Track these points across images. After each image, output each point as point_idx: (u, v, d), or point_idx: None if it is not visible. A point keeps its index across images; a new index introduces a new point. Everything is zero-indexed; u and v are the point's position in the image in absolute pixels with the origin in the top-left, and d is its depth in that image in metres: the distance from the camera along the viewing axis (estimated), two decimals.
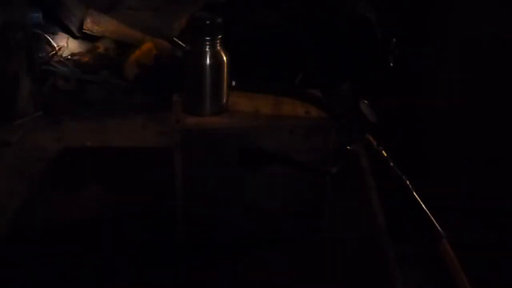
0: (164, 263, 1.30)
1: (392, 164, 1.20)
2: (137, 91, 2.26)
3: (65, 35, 2.54)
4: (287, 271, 1.28)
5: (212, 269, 1.28)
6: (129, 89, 2.29)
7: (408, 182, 1.19)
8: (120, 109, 2.14)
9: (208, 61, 1.20)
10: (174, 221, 1.30)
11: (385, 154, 1.21)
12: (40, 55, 2.37)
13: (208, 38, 1.19)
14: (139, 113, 2.11)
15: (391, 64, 1.68)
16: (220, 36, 1.21)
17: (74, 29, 2.55)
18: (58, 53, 2.46)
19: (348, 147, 1.20)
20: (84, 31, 2.53)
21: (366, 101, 1.18)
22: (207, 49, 1.20)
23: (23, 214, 1.48)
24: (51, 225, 1.44)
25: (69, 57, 2.46)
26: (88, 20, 2.52)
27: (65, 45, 2.52)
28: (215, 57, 1.21)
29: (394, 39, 1.68)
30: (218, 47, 1.21)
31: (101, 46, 2.53)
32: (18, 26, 2.01)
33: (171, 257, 1.32)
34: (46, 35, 2.46)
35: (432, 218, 1.16)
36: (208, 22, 1.20)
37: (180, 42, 1.24)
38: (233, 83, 1.27)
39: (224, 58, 1.22)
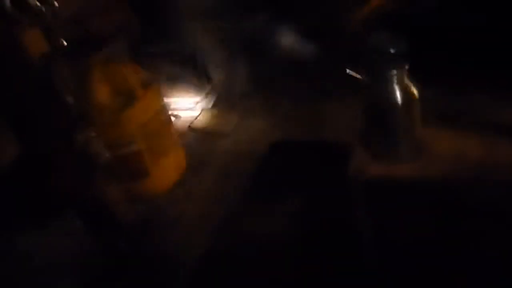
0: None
1: None
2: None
3: None
4: None
5: None
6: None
7: None
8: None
9: (395, 97, 0.96)
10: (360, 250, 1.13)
11: None
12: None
13: (394, 71, 0.95)
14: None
15: None
16: (408, 66, 0.95)
17: None
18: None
19: None
20: None
21: None
22: (394, 84, 0.96)
23: (225, 227, 1.47)
24: (250, 242, 1.41)
25: None
26: None
27: None
28: (404, 91, 0.96)
29: None
30: (406, 80, 0.96)
31: None
32: None
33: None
34: None
35: None
36: (392, 49, 0.94)
37: (355, 74, 1.01)
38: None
39: (415, 92, 0.96)
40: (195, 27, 2.03)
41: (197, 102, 1.99)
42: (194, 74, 2.06)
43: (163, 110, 1.61)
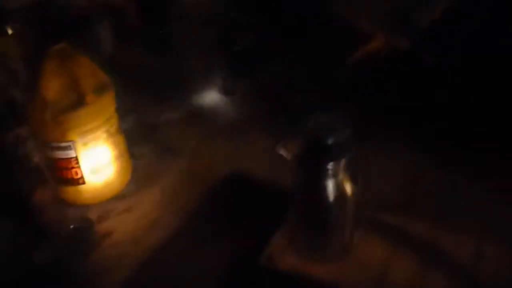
0: None
1: None
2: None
3: None
4: None
5: None
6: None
7: None
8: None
9: (327, 193, 0.85)
10: None
11: None
12: None
13: (330, 164, 0.83)
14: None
15: None
16: (346, 158, 0.83)
17: None
18: None
19: None
20: None
21: None
22: (328, 179, 0.84)
23: (155, 254, 1.36)
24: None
25: None
26: None
27: None
28: (338, 187, 0.85)
29: None
30: (342, 174, 0.84)
31: None
32: None
33: None
34: None
35: None
36: (330, 140, 0.82)
37: (285, 153, 0.88)
38: None
39: (349, 189, 0.85)
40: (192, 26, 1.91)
41: (166, 111, 1.86)
42: (174, 78, 1.94)
43: (113, 119, 1.49)
